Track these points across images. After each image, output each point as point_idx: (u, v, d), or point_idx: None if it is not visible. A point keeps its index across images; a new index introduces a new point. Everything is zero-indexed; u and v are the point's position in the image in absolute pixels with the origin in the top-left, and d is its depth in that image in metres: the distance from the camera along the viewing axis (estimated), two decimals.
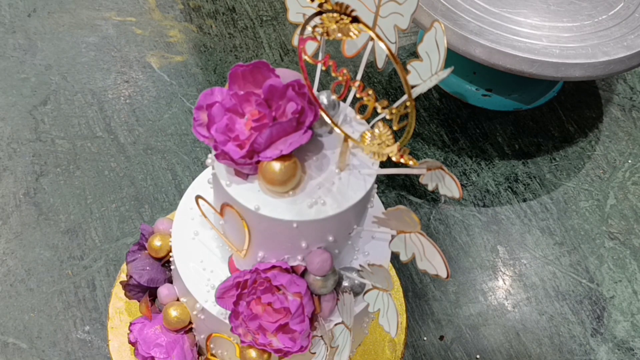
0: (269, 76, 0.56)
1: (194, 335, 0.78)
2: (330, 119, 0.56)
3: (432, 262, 0.54)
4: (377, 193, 0.61)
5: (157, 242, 0.79)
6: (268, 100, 0.56)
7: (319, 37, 0.53)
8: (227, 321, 0.66)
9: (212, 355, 0.77)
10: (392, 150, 0.51)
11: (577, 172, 1.16)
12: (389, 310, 0.62)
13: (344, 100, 0.59)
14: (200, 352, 0.79)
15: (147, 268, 0.79)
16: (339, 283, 0.66)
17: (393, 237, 0.58)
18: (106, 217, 1.01)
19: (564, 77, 1.00)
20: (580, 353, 0.94)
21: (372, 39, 0.46)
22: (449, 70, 0.47)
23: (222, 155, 0.56)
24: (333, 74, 0.51)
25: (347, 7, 0.45)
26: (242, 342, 0.66)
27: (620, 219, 1.10)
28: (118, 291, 0.89)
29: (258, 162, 0.56)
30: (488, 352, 0.93)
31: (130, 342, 0.79)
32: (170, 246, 0.75)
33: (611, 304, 1.00)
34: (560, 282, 1.01)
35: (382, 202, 0.74)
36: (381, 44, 0.43)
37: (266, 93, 0.56)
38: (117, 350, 0.85)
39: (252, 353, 0.68)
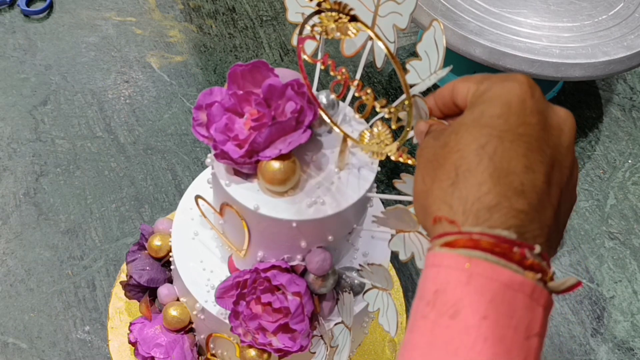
0: (268, 76, 0.56)
1: (194, 335, 0.78)
2: (330, 118, 0.56)
3: None
4: (377, 192, 0.61)
5: (157, 242, 0.79)
6: (267, 99, 0.56)
7: (317, 37, 0.53)
8: (227, 321, 0.66)
9: (212, 355, 0.77)
10: (391, 150, 0.51)
11: None
12: (388, 309, 0.62)
13: (343, 99, 0.59)
14: (200, 352, 0.79)
15: (147, 268, 0.79)
16: (338, 282, 0.66)
17: (393, 236, 0.58)
18: (106, 217, 1.01)
19: (564, 77, 1.00)
20: (580, 353, 0.94)
21: (371, 38, 0.46)
22: (447, 69, 0.47)
23: (221, 155, 0.56)
24: (332, 73, 0.51)
25: (346, 6, 0.45)
26: (242, 342, 0.66)
27: (620, 219, 1.10)
28: (118, 291, 0.89)
29: (257, 161, 0.56)
30: None
31: (130, 342, 0.79)
32: (170, 246, 0.75)
33: (611, 304, 1.00)
34: None
35: (382, 202, 0.74)
36: (380, 44, 0.43)
37: (265, 92, 0.56)
38: (117, 350, 0.85)
39: (252, 353, 0.68)
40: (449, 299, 0.34)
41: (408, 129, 0.46)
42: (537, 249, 0.35)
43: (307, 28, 0.50)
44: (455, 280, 0.34)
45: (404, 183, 0.51)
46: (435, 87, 0.46)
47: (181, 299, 0.76)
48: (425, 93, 0.46)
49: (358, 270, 0.66)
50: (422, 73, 0.49)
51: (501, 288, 0.34)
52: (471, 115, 0.38)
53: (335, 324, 0.67)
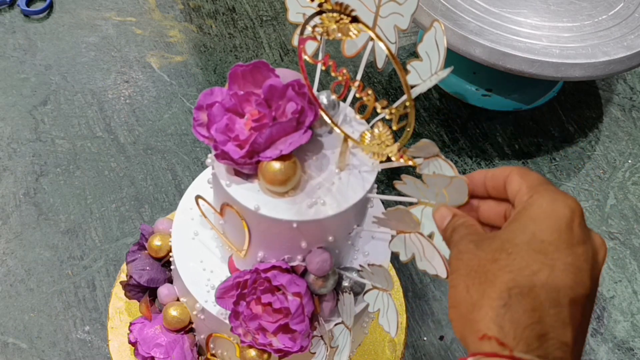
0: (269, 76, 0.56)
1: (194, 335, 0.78)
2: (330, 118, 0.56)
3: (431, 262, 0.54)
4: (377, 193, 0.61)
5: (157, 242, 0.79)
6: (268, 100, 0.56)
7: (318, 37, 0.53)
8: (227, 321, 0.66)
9: (212, 355, 0.77)
10: (392, 150, 0.51)
11: (577, 172, 1.16)
12: (388, 310, 0.62)
13: (344, 100, 0.59)
14: (200, 352, 0.79)
15: (147, 268, 0.79)
16: (338, 283, 0.66)
17: (393, 237, 0.58)
18: (106, 217, 1.01)
19: (564, 77, 1.00)
20: None
21: (372, 39, 0.46)
22: (448, 70, 0.47)
23: (222, 155, 0.56)
24: (332, 74, 0.51)
25: (347, 7, 0.45)
26: (242, 342, 0.66)
27: (620, 219, 1.10)
28: (118, 291, 0.89)
29: (258, 162, 0.56)
30: None
31: (130, 342, 0.79)
32: (170, 246, 0.75)
33: (611, 304, 1.00)
34: None
35: (382, 202, 0.74)
36: (381, 44, 0.43)
37: (266, 93, 0.56)
38: (117, 350, 0.85)
39: (252, 353, 0.68)
40: None
41: (409, 130, 0.46)
42: None
43: (308, 28, 0.50)
44: None
45: (404, 184, 0.51)
46: (436, 88, 0.46)
47: (181, 299, 0.76)
48: (426, 94, 0.46)
49: (358, 270, 0.66)
50: (422, 74, 0.49)
51: None
52: (523, 235, 0.39)
53: (336, 325, 0.67)
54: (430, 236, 0.52)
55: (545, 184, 0.41)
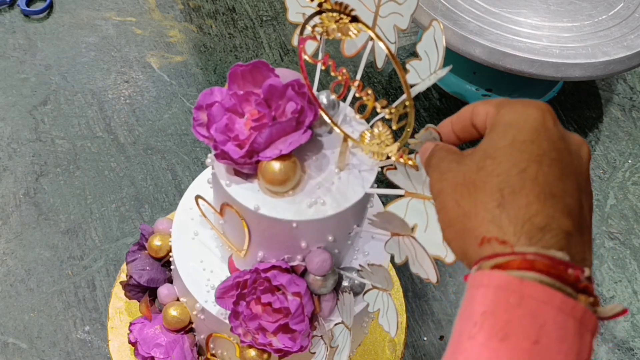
0: (269, 76, 0.56)
1: (194, 335, 0.78)
2: (330, 118, 0.56)
3: (422, 266, 0.53)
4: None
5: (157, 242, 0.79)
6: (268, 100, 0.56)
7: (318, 37, 0.53)
8: (227, 321, 0.66)
9: (212, 355, 0.77)
10: (392, 150, 0.51)
11: None
12: (388, 310, 0.62)
13: (344, 99, 0.59)
14: (200, 352, 0.79)
15: (147, 268, 0.79)
16: (338, 283, 0.66)
17: (389, 239, 0.58)
18: (106, 217, 1.01)
19: (564, 77, 1.00)
20: None
21: (371, 38, 0.46)
22: (447, 68, 0.47)
23: (221, 155, 0.56)
24: (332, 74, 0.51)
25: (347, 6, 0.45)
26: (242, 342, 0.66)
27: (620, 219, 1.10)
28: (118, 291, 0.89)
29: (258, 161, 0.56)
30: None
31: (130, 342, 0.79)
32: (170, 246, 0.75)
33: (611, 304, 1.00)
34: None
35: (382, 202, 0.74)
36: (380, 44, 0.43)
37: (266, 93, 0.56)
38: (117, 350, 0.85)
39: (252, 353, 0.68)
40: (498, 320, 0.34)
41: (409, 130, 0.46)
42: (587, 272, 0.35)
43: (308, 28, 0.50)
44: (505, 301, 0.34)
45: (395, 170, 0.51)
46: (436, 88, 0.46)
47: (181, 299, 0.76)
48: (426, 94, 0.46)
49: (358, 270, 0.66)
50: (422, 73, 0.49)
51: (553, 312, 0.33)
52: (503, 140, 0.38)
53: (336, 324, 0.67)
54: (413, 229, 0.52)
55: (511, 100, 0.40)
